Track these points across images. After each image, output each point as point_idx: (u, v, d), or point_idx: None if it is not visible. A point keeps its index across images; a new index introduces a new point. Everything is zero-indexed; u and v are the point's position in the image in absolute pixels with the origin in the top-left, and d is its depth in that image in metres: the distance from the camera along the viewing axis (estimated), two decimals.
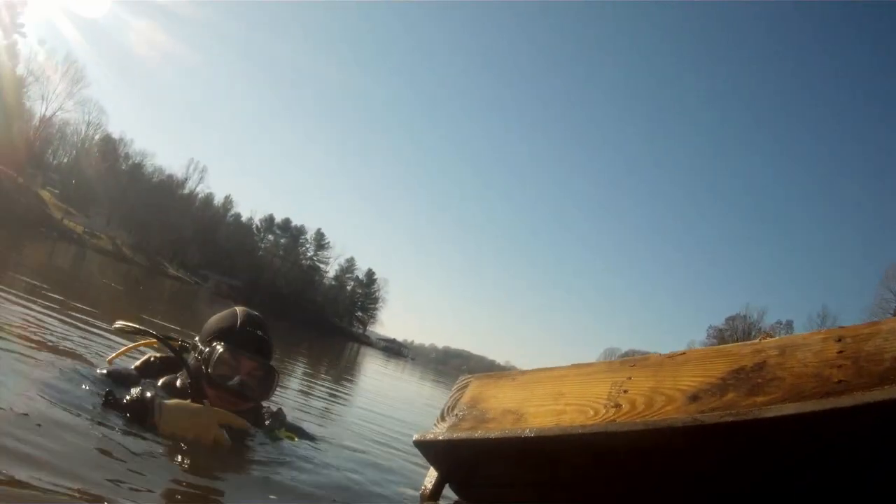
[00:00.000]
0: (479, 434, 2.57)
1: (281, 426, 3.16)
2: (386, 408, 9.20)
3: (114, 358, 3.46)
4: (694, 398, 2.11)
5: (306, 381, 9.24)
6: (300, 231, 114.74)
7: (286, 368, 9.36)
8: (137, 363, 3.25)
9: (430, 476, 3.01)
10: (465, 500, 3.05)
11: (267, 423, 3.14)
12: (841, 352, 1.90)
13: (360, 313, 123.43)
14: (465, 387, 2.90)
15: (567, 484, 2.51)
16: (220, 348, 2.89)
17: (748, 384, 2.02)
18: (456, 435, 2.68)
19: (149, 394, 2.61)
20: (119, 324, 3.15)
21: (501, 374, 2.82)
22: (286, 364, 10.33)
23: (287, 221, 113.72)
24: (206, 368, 2.87)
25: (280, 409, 3.32)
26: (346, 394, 10.08)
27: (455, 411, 2.81)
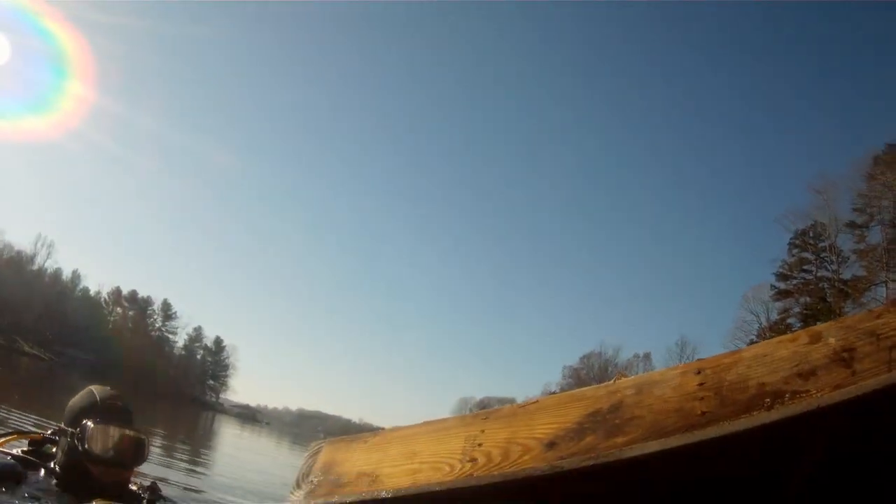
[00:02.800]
0: (336, 500, 2.44)
1: (158, 499, 3.09)
2: (247, 475, 8.87)
3: None
4: (551, 445, 2.02)
5: (166, 455, 8.83)
6: (147, 303, 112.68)
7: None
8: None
9: None
10: None
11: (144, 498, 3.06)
12: (702, 384, 1.86)
13: (211, 381, 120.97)
14: (318, 452, 2.76)
15: None
16: (91, 424, 2.87)
17: (606, 426, 1.95)
18: (313, 503, 2.53)
19: None
20: None
21: (354, 438, 2.69)
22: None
23: (133, 293, 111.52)
24: (82, 447, 2.83)
25: (154, 483, 3.23)
26: (206, 464, 9.72)
27: (310, 478, 2.66)
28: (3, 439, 3.28)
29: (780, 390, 1.75)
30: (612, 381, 2.09)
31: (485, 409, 2.31)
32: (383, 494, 2.28)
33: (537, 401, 2.20)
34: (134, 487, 3.13)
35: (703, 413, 1.81)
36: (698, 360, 1.96)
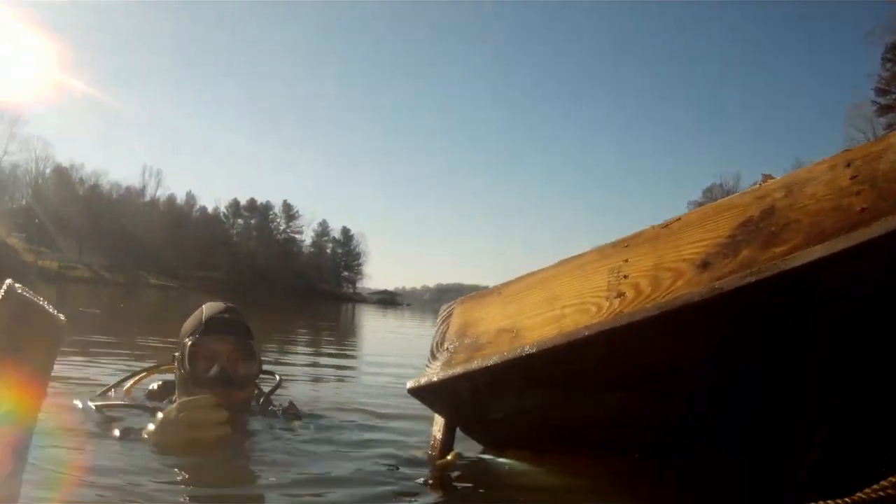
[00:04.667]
0: (475, 364, 2.22)
1: (293, 418, 2.99)
2: (395, 360, 8.89)
3: (105, 392, 3.29)
4: (704, 266, 1.77)
5: (311, 356, 8.92)
6: (267, 208, 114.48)
7: (289, 348, 9.09)
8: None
9: (437, 425, 2.71)
10: (482, 443, 2.75)
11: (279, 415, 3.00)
12: (854, 177, 1.59)
13: (346, 273, 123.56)
14: (450, 315, 2.54)
15: (585, 398, 2.23)
16: (189, 342, 2.76)
17: (761, 236, 1.69)
18: (451, 371, 2.32)
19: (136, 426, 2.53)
20: (94, 403, 2.89)
21: (485, 292, 2.46)
22: (287, 345, 10.04)
23: (252, 202, 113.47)
24: (183, 369, 2.74)
25: (291, 403, 3.17)
26: (352, 357, 9.81)
27: (445, 345, 2.45)
28: (134, 378, 3.30)
29: None
30: (757, 185, 1.82)
31: (624, 237, 2.02)
32: (527, 350, 2.06)
33: (679, 218, 1.93)
34: (273, 408, 3.07)
35: (863, 209, 1.55)
36: (845, 150, 1.69)
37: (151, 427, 2.40)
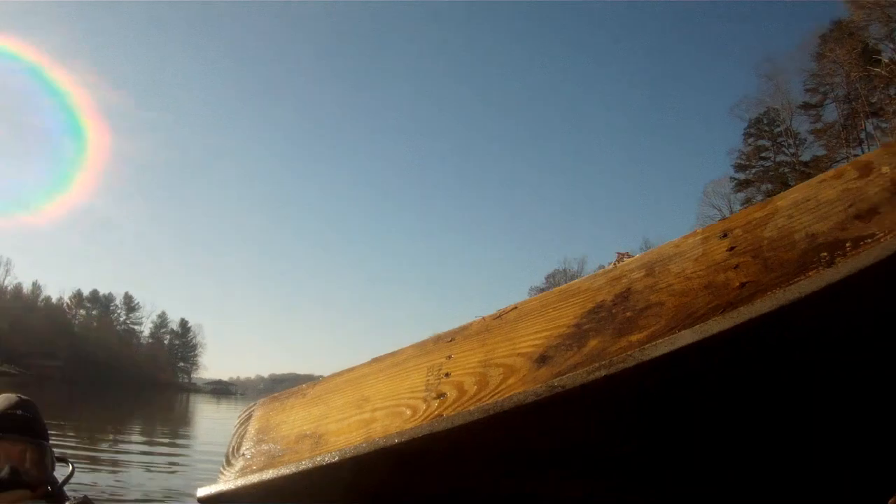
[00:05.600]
0: (270, 474, 1.84)
1: None
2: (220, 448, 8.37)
3: None
4: (543, 360, 1.47)
5: (149, 445, 8.37)
6: (109, 299, 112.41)
7: (123, 440, 8.49)
8: None
9: None
10: None
11: None
12: (732, 248, 1.36)
13: (182, 363, 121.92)
14: (249, 418, 2.15)
15: None
16: None
17: (614, 323, 1.41)
18: (246, 481, 1.93)
19: None
20: None
21: (290, 392, 2.08)
22: (122, 437, 9.41)
23: (95, 293, 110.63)
24: None
25: (85, 497, 2.79)
26: (185, 451, 9.24)
27: (242, 451, 2.06)
28: None
29: (838, 239, 1.26)
30: (610, 265, 1.54)
31: (449, 330, 1.73)
32: (328, 459, 1.69)
33: (516, 306, 1.63)
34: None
35: (743, 284, 1.30)
36: (720, 220, 1.45)
37: None
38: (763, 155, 55.03)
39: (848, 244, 1.24)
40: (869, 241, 1.23)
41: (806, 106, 50.74)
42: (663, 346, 1.30)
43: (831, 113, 49.22)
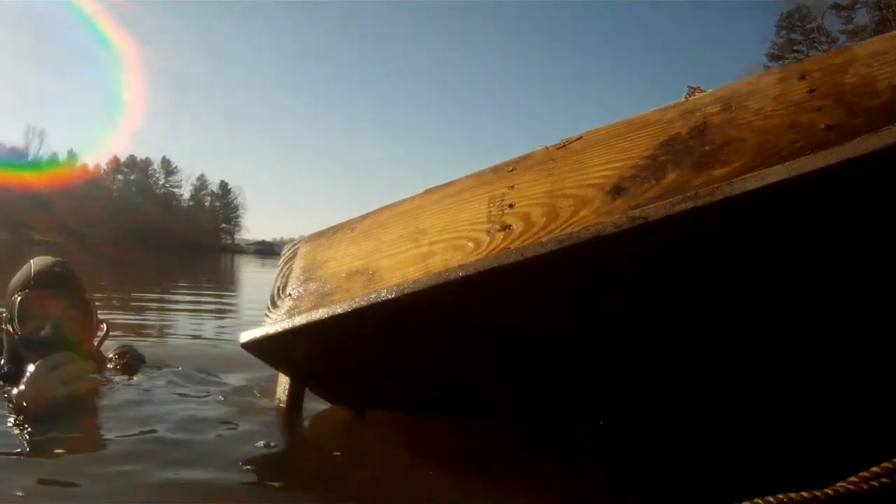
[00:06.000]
0: (321, 314, 1.73)
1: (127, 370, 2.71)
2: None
3: None
4: (617, 191, 1.33)
5: (195, 304, 8.43)
6: (147, 163, 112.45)
7: (171, 300, 8.55)
8: None
9: (282, 384, 2.24)
10: (335, 402, 2.28)
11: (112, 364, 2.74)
12: (812, 90, 1.23)
13: (224, 225, 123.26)
14: (294, 256, 2.04)
15: (461, 355, 1.78)
16: (19, 298, 2.44)
17: (692, 156, 1.29)
18: (293, 322, 1.82)
19: None
20: None
21: (337, 227, 1.96)
22: (169, 296, 9.49)
23: (132, 158, 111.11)
24: (14, 329, 2.41)
25: (121, 349, 2.88)
26: (233, 304, 9.34)
27: (288, 290, 1.95)
28: None
29: None
30: (681, 100, 1.39)
31: (508, 160, 1.56)
32: (384, 295, 1.57)
33: (581, 136, 1.48)
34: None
35: (829, 127, 1.19)
36: (796, 61, 1.36)
37: (17, 391, 2.11)
38: (796, 48, 53.56)
39: None
40: None
41: (837, 7, 49.19)
42: (753, 181, 1.18)
43: (862, 16, 47.72)
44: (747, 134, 1.25)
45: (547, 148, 1.52)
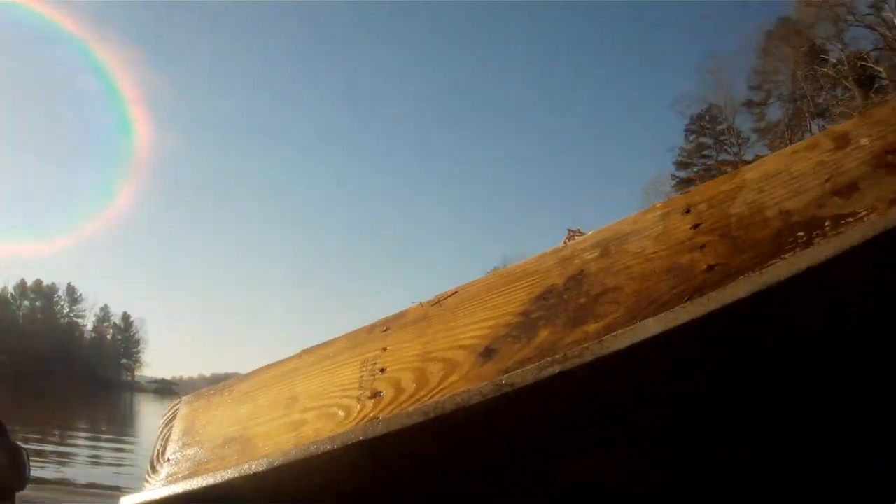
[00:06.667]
0: (196, 483, 1.66)
1: None
2: None
3: None
4: (488, 353, 1.31)
5: (94, 450, 8.18)
6: (52, 290, 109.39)
7: (67, 443, 8.25)
8: None
9: None
10: None
11: None
12: (697, 225, 1.20)
13: (125, 360, 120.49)
14: (174, 418, 1.95)
15: None
16: None
17: (567, 311, 1.26)
18: (171, 490, 1.74)
19: None
20: None
21: (217, 388, 1.89)
22: (65, 439, 9.18)
23: (38, 283, 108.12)
24: None
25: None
26: (134, 452, 9.06)
27: (167, 455, 1.86)
28: None
29: (815, 217, 1.12)
30: (561, 245, 1.39)
31: (384, 318, 1.56)
32: (255, 468, 1.51)
33: (456, 291, 1.47)
34: None
35: (711, 267, 1.15)
36: (684, 192, 1.32)
37: None
38: (704, 153, 54.89)
39: (827, 223, 1.11)
40: (850, 219, 1.10)
41: (749, 103, 50.57)
42: (624, 338, 1.15)
43: (775, 112, 49.06)
44: (625, 281, 1.24)
45: (422, 304, 1.49)
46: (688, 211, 1.23)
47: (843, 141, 1.16)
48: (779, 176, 1.18)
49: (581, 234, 1.39)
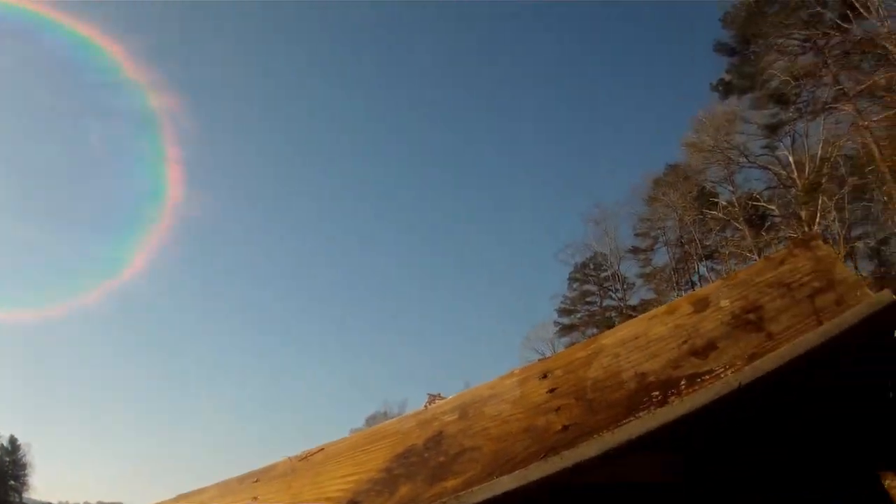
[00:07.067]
0: None
1: None
2: None
3: None
4: None
5: None
6: None
7: None
8: None
9: None
10: None
11: None
12: (553, 390, 1.29)
13: (12, 482, 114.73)
14: None
15: None
16: None
17: (426, 468, 1.31)
18: None
19: None
20: None
21: None
22: None
23: None
24: None
25: None
26: None
27: None
28: None
29: (671, 377, 1.21)
30: (422, 408, 1.48)
31: (253, 470, 1.56)
32: None
33: (322, 448, 1.53)
34: None
35: (566, 427, 1.24)
36: (539, 359, 1.41)
37: None
38: (588, 300, 55.57)
39: (682, 382, 1.19)
40: (707, 377, 1.18)
41: (635, 250, 51.59)
42: (480, 493, 1.20)
43: (662, 256, 50.04)
44: (483, 442, 1.29)
45: (290, 459, 1.54)
46: (545, 376, 1.31)
47: (702, 304, 1.26)
48: (636, 341, 1.27)
49: (441, 398, 1.45)
